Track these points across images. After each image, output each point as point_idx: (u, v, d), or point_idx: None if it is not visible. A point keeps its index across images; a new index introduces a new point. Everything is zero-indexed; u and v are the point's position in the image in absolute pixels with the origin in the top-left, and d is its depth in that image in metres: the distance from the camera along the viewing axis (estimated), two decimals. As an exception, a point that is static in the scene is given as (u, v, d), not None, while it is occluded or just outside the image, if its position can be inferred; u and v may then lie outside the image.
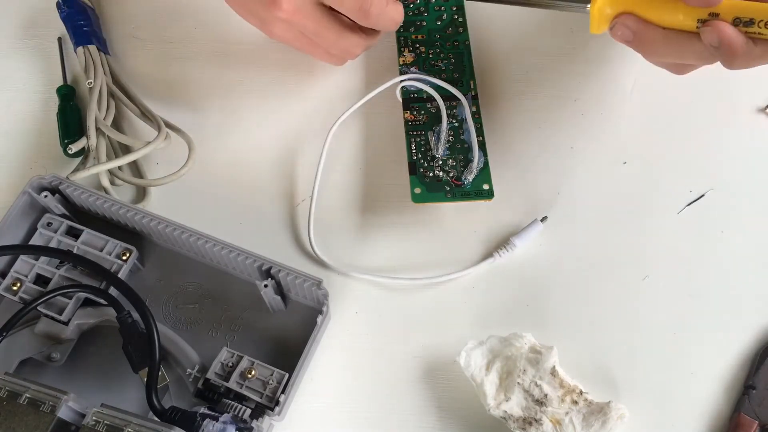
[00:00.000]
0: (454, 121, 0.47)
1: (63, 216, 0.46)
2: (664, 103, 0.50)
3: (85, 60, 0.51)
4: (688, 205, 0.47)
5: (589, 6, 0.40)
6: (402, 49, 0.50)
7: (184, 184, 0.48)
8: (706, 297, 0.45)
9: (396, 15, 0.46)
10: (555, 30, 0.53)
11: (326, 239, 0.47)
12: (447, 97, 0.48)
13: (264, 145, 0.50)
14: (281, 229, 0.48)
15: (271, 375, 0.40)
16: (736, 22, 0.38)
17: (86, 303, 0.43)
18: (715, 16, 0.38)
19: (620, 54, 0.52)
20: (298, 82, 0.52)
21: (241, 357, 0.41)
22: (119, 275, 0.43)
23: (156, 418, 0.38)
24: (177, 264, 0.46)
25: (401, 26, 0.51)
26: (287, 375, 0.40)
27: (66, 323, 0.42)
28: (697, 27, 0.39)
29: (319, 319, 0.41)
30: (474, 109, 0.48)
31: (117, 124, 0.51)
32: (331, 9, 0.44)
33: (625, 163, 0.49)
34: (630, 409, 0.41)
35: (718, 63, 0.40)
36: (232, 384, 0.40)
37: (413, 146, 0.47)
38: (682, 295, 0.45)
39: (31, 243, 0.44)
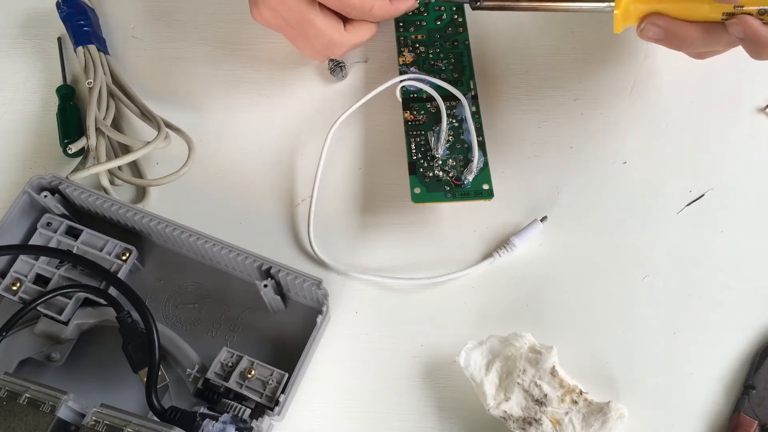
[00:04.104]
0: (454, 121, 0.47)
1: (63, 216, 0.46)
2: (664, 103, 0.50)
3: (85, 60, 0.51)
4: (688, 205, 0.47)
5: (611, 5, 0.41)
6: (402, 49, 0.50)
7: (184, 184, 0.48)
8: (706, 297, 0.45)
9: (378, 3, 0.47)
10: (555, 30, 0.53)
11: (326, 239, 0.47)
12: (447, 97, 0.48)
13: (264, 145, 0.50)
14: (281, 229, 0.48)
15: (271, 375, 0.40)
16: (761, 12, 0.38)
17: (86, 303, 0.43)
18: (740, 8, 0.39)
19: (620, 54, 0.52)
20: (298, 81, 0.52)
21: (241, 357, 0.41)
22: (119, 275, 0.43)
23: (156, 418, 0.38)
24: (177, 264, 0.46)
25: (401, 26, 0.51)
26: (287, 375, 0.40)
27: (66, 323, 0.42)
28: (723, 19, 0.39)
29: (319, 319, 0.41)
30: (474, 109, 0.48)
31: (117, 124, 0.51)
32: (317, 2, 0.45)
33: (625, 163, 0.49)
34: (630, 409, 0.41)
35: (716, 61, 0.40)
36: (232, 384, 0.40)
37: (413, 146, 0.47)
38: (681, 295, 0.45)
39: (30, 243, 0.44)
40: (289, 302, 0.45)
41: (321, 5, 0.45)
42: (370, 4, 0.46)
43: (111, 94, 0.50)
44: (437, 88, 0.48)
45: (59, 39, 0.54)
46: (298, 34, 0.47)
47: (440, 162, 0.46)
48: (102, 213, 0.46)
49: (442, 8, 0.52)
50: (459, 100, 0.48)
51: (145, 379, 0.39)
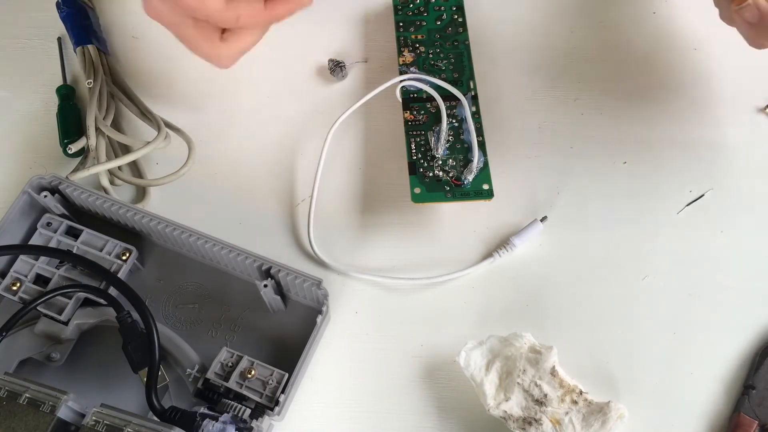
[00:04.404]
0: (454, 121, 0.47)
1: (63, 216, 0.46)
2: (664, 103, 0.50)
3: (85, 60, 0.51)
4: (688, 204, 0.47)
5: None
6: (402, 49, 0.50)
7: (184, 184, 0.48)
8: (706, 297, 0.45)
9: (245, 12, 0.41)
10: (555, 30, 0.53)
11: (326, 239, 0.47)
12: (447, 97, 0.48)
13: (264, 145, 0.50)
14: (281, 229, 0.48)
15: (271, 375, 0.40)
16: None
17: (86, 303, 0.43)
18: None
19: (620, 54, 0.52)
20: (298, 81, 0.52)
21: (241, 357, 0.41)
22: (119, 275, 0.43)
23: (156, 418, 0.38)
24: (177, 264, 0.46)
25: (401, 26, 0.51)
26: (287, 375, 0.40)
27: (66, 323, 0.42)
28: None
29: (319, 319, 0.41)
30: (474, 109, 0.48)
31: (117, 124, 0.51)
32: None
33: (625, 163, 0.49)
34: (630, 409, 0.41)
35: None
36: (232, 384, 0.40)
37: (413, 146, 0.47)
38: (681, 295, 0.45)
39: (30, 243, 0.44)
40: (289, 302, 0.45)
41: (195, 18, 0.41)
42: (234, 13, 0.40)
43: (111, 94, 0.50)
44: (437, 88, 0.48)
45: (59, 39, 0.54)
46: (183, 42, 0.42)
47: (440, 162, 0.46)
48: (102, 213, 0.46)
49: (442, 8, 0.52)
50: (459, 100, 0.48)
51: (145, 379, 0.39)
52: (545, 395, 0.40)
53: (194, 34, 0.41)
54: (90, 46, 0.51)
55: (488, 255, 0.46)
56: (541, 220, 0.47)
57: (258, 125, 0.51)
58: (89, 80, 0.50)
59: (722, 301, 0.45)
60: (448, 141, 0.47)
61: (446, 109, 0.47)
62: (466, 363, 0.41)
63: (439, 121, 0.47)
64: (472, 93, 0.49)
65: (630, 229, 0.47)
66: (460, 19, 0.52)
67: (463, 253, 0.46)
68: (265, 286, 0.42)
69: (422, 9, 0.52)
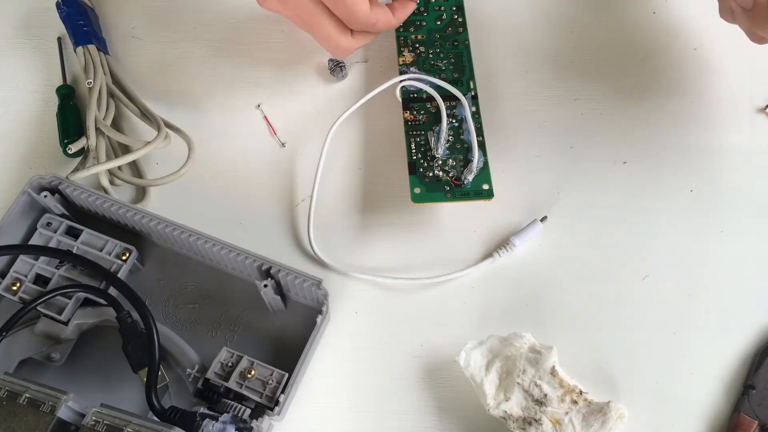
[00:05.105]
0: (454, 121, 0.47)
1: (62, 216, 0.46)
2: (664, 103, 0.50)
3: (85, 60, 0.51)
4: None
5: None
6: (402, 49, 0.50)
7: (184, 184, 0.48)
8: (706, 297, 0.45)
9: (383, 18, 0.47)
10: (555, 30, 0.53)
11: (326, 239, 0.47)
12: (447, 97, 0.48)
13: (264, 145, 0.50)
14: (281, 229, 0.48)
15: (271, 375, 0.40)
16: None
17: (86, 303, 0.43)
18: None
19: (620, 55, 0.52)
20: (298, 82, 0.52)
21: (241, 357, 0.41)
22: (119, 275, 0.43)
23: (156, 418, 0.38)
24: (177, 264, 0.46)
25: (401, 26, 0.51)
26: (287, 375, 0.40)
27: (66, 323, 0.42)
28: None
29: (319, 319, 0.41)
30: (474, 109, 0.48)
31: (117, 124, 0.51)
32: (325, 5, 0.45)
33: (625, 163, 0.49)
34: (630, 409, 0.41)
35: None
36: (232, 384, 0.40)
37: (413, 146, 0.47)
38: (681, 295, 0.45)
39: (30, 243, 0.44)
40: (289, 302, 0.45)
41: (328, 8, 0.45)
42: (374, 18, 0.46)
43: (111, 94, 0.50)
44: (437, 88, 0.48)
45: (59, 39, 0.54)
46: (307, 28, 0.47)
47: (440, 162, 0.46)
48: (102, 213, 0.46)
49: (442, 8, 0.52)
50: (459, 100, 0.48)
51: (145, 379, 0.39)
52: (545, 395, 0.40)
53: (330, 26, 0.46)
54: (90, 46, 0.51)
55: (488, 255, 0.46)
56: (541, 220, 0.47)
57: (258, 125, 0.51)
58: (89, 80, 0.50)
59: (722, 301, 0.45)
60: (448, 141, 0.47)
61: (446, 109, 0.47)
62: (466, 363, 0.41)
63: (439, 121, 0.47)
64: (472, 93, 0.49)
65: (630, 229, 0.47)
66: (460, 19, 0.52)
67: (463, 253, 0.46)
68: (265, 286, 0.42)
69: (422, 9, 0.52)
